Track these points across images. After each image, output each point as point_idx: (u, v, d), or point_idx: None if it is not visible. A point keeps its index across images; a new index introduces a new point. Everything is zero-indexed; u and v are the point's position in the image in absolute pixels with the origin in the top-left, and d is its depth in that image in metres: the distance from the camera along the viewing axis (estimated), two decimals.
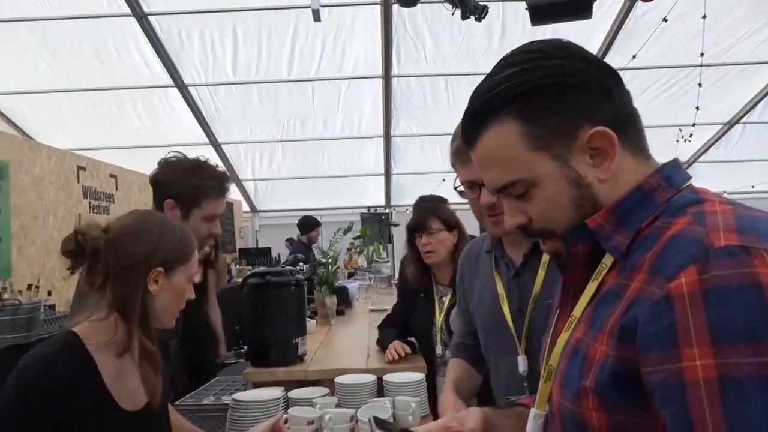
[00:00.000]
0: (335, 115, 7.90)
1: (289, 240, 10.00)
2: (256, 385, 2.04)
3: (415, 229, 2.20)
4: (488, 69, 0.82)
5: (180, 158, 1.83)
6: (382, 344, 2.30)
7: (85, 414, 1.10)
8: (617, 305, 0.68)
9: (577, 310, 0.77)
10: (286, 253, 7.54)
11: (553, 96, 0.74)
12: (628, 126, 0.76)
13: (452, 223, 2.17)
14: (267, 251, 8.46)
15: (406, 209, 9.98)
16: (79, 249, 1.15)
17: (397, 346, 2.17)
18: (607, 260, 0.75)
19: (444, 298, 2.17)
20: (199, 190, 1.75)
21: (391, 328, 2.39)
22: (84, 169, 5.07)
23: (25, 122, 7.07)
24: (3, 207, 4.00)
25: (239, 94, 7.26)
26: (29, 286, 3.73)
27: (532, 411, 0.82)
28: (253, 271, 2.18)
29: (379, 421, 0.83)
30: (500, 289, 1.36)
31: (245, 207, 10.34)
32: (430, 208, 2.22)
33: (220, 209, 1.84)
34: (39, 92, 6.69)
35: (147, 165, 6.47)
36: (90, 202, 5.12)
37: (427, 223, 2.15)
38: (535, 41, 0.80)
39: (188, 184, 1.73)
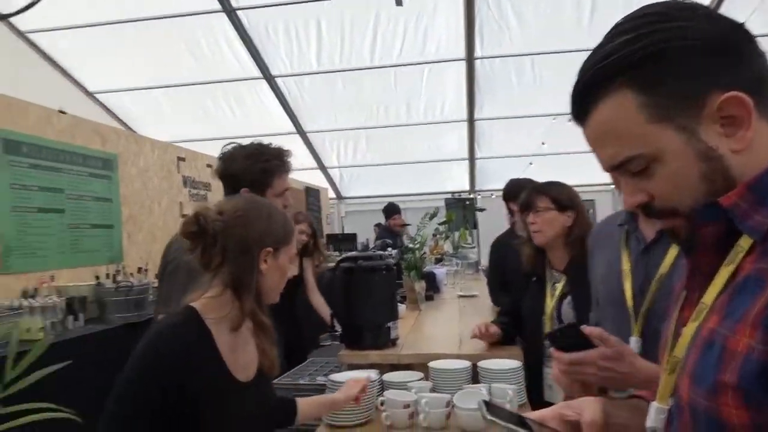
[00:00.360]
0: (418, 100, 7.87)
1: (378, 225, 10.13)
2: (350, 367, 2.07)
3: (523, 208, 2.09)
4: (577, 46, 0.76)
5: (238, 147, 1.92)
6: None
7: (205, 382, 1.16)
8: (760, 294, 0.61)
9: (708, 298, 0.70)
10: (374, 238, 7.64)
11: (676, 61, 0.67)
12: (764, 90, 0.68)
13: (566, 203, 2.00)
14: (353, 237, 8.60)
15: (491, 194, 9.79)
16: (200, 230, 1.20)
17: (481, 325, 2.13)
18: (744, 243, 0.67)
19: (557, 285, 2.03)
20: (267, 172, 1.86)
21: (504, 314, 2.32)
22: (183, 159, 5.37)
23: (129, 117, 7.60)
24: (114, 197, 4.32)
25: (323, 83, 7.40)
26: (139, 269, 4.02)
27: (654, 405, 0.76)
28: (345, 255, 2.20)
29: (490, 406, 0.79)
30: (625, 265, 1.28)
31: (331, 194, 10.57)
32: (538, 187, 2.10)
33: (287, 183, 1.95)
34: (141, 89, 7.16)
35: None
36: (189, 191, 5.43)
37: (534, 201, 2.03)
38: (651, 4, 0.73)
39: (257, 169, 1.84)
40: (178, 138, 7.01)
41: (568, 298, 1.96)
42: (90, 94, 7.14)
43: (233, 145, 1.93)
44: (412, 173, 9.71)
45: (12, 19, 5.42)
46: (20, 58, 6.06)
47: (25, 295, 3.20)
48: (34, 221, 3.54)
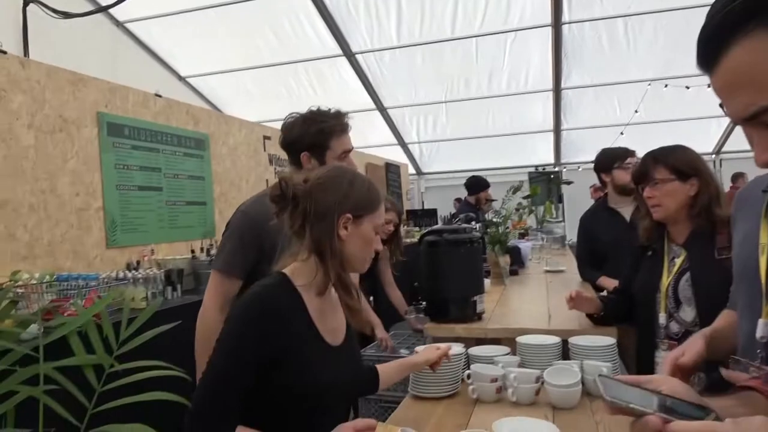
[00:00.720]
0: (500, 71, 7.62)
1: (458, 200, 10.01)
2: (435, 339, 2.05)
3: (638, 179, 1.88)
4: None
5: (297, 115, 1.92)
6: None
7: (297, 343, 1.20)
8: None
9: None
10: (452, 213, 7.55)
11: None
12: None
13: (688, 171, 1.78)
14: (433, 212, 8.56)
15: (578, 167, 9.38)
16: (283, 195, 1.24)
17: (572, 291, 2.00)
18: None
19: (675, 260, 1.83)
20: (324, 133, 1.82)
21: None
22: (269, 138, 5.53)
23: (217, 99, 7.92)
24: (206, 175, 4.54)
25: (403, 58, 7.33)
26: None
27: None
28: (430, 228, 2.17)
29: (606, 382, 0.71)
30: (763, 238, 1.10)
31: (411, 170, 10.55)
32: (654, 154, 1.85)
33: (348, 144, 1.89)
34: (228, 71, 7.42)
35: None
36: (275, 169, 5.59)
37: (650, 172, 1.81)
38: None
39: (313, 131, 1.82)
40: (263, 118, 7.23)
41: (687, 274, 1.77)
42: (182, 79, 7.50)
43: (293, 114, 1.93)
44: (494, 147, 9.48)
45: (111, 10, 5.76)
46: (119, 46, 6.45)
47: (129, 267, 3.44)
48: (136, 199, 3.79)
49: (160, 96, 4.14)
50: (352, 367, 1.37)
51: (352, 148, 1.92)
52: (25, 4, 5.00)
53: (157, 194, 3.99)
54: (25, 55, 4.62)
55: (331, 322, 1.30)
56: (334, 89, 7.85)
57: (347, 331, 1.36)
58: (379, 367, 1.56)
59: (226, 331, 1.17)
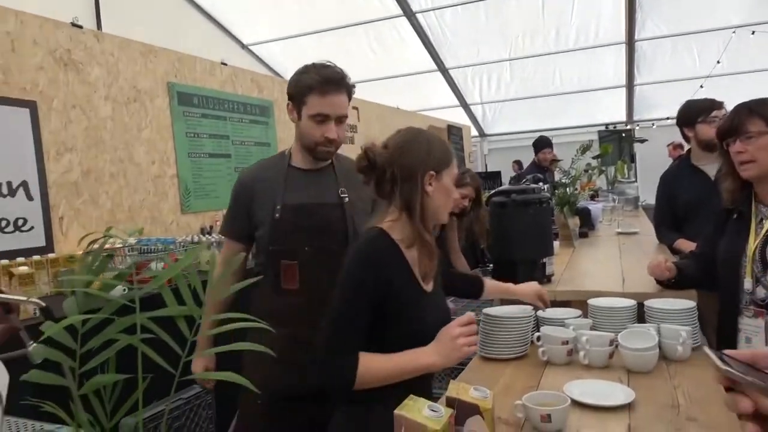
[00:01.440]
0: (568, 24, 7.26)
1: (516, 162, 9.79)
2: (503, 302, 2.03)
3: (726, 134, 1.71)
4: None
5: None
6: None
7: (401, 289, 1.31)
8: None
9: None
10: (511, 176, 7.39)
11: None
12: None
13: None
14: (497, 175, 8.40)
15: (652, 124, 8.90)
16: (370, 164, 1.34)
17: (661, 260, 1.91)
18: None
19: (765, 222, 1.69)
20: (302, 85, 1.67)
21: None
22: None
23: (279, 65, 8.00)
24: (272, 140, 4.62)
25: (466, 16, 7.10)
26: None
27: None
28: (497, 189, 2.12)
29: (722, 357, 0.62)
30: None
31: (474, 132, 10.35)
32: (749, 105, 1.68)
33: (325, 108, 1.65)
34: (289, 37, 7.45)
35: (382, 96, 6.82)
36: None
37: (743, 124, 1.65)
38: None
39: (294, 81, 1.70)
40: None
41: None
42: (245, 47, 7.60)
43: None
44: (561, 105, 9.12)
45: None
46: (184, 16, 6.60)
47: (202, 231, 3.59)
48: (206, 166, 3.92)
49: (225, 64, 4.22)
50: (443, 310, 1.48)
51: (341, 115, 1.70)
52: None
53: (226, 161, 4.11)
54: (98, 29, 4.81)
55: (421, 272, 1.39)
56: (394, 51, 7.74)
57: (435, 280, 1.45)
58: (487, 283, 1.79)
59: (345, 279, 1.29)
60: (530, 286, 1.80)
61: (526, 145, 7.14)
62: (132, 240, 3.03)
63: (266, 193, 1.71)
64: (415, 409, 0.90)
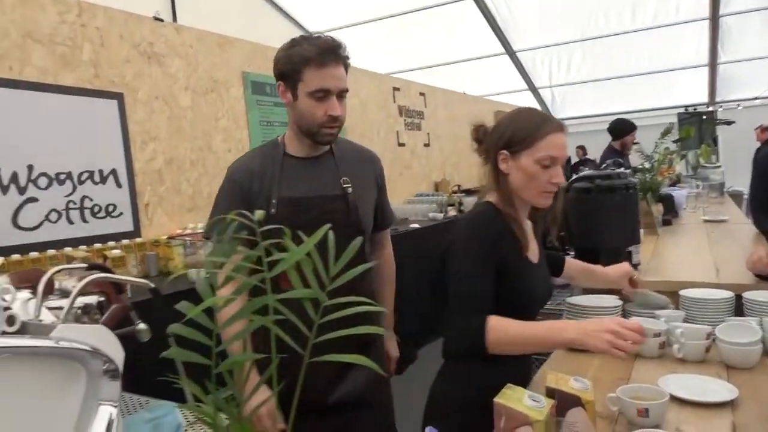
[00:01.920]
0: (645, 2, 6.89)
1: (580, 147, 9.44)
2: (585, 291, 1.97)
3: None
4: None
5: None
6: None
7: (513, 257, 1.36)
8: None
9: None
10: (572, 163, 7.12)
11: None
12: None
13: None
14: (566, 161, 8.13)
15: (737, 105, 8.35)
16: (478, 139, 1.45)
17: (763, 254, 1.79)
18: None
19: None
20: (295, 59, 1.45)
21: None
22: (398, 89, 5.53)
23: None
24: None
25: None
26: None
27: None
28: (580, 174, 2.05)
29: None
30: None
31: None
32: None
33: (329, 81, 1.45)
34: (354, 24, 7.47)
35: (449, 81, 6.72)
36: (404, 120, 5.61)
37: None
38: None
39: (284, 56, 1.49)
40: (391, 69, 7.24)
41: None
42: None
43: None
44: (636, 87, 8.69)
45: None
46: (253, 7, 6.74)
47: None
48: None
49: None
50: (548, 283, 1.52)
51: (343, 89, 1.50)
52: None
53: None
54: (174, 21, 4.99)
55: (530, 244, 1.43)
56: (460, 35, 7.62)
57: (540, 253, 1.50)
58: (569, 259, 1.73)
59: (465, 248, 1.34)
60: (620, 267, 1.70)
61: (593, 130, 6.88)
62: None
63: (261, 188, 1.51)
64: (514, 398, 0.88)
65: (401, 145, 5.55)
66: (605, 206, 1.94)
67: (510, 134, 1.35)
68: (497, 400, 0.89)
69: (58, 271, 0.94)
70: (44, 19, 2.67)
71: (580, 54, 8.23)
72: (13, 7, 2.56)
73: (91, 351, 0.81)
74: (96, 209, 2.86)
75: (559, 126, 1.36)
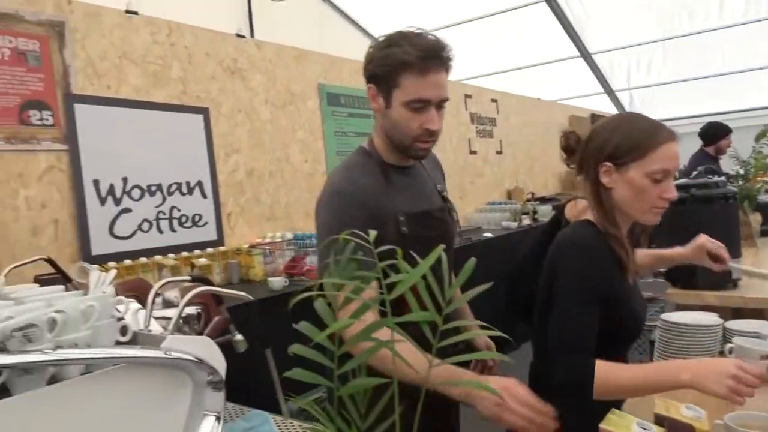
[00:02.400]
0: None
1: None
2: (678, 307, 1.86)
3: None
4: None
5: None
6: None
7: (617, 283, 1.27)
8: None
9: None
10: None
11: None
12: None
13: None
14: None
15: None
16: (567, 147, 1.39)
17: None
18: None
19: None
20: (393, 62, 1.24)
21: None
22: (470, 96, 5.48)
23: None
24: None
25: None
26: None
27: None
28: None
29: None
30: None
31: None
32: None
33: (428, 91, 1.25)
34: (435, 29, 7.47)
35: (522, 87, 6.59)
36: (476, 127, 5.55)
37: None
38: None
39: (381, 55, 1.28)
40: (462, 76, 7.18)
41: None
42: None
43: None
44: (724, 87, 8.18)
45: None
46: (325, 19, 6.90)
47: None
48: None
49: None
50: (643, 299, 1.42)
51: (444, 98, 1.30)
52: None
53: None
54: (252, 36, 5.18)
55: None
56: (533, 39, 7.44)
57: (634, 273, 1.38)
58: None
59: (567, 276, 1.22)
60: (694, 242, 1.55)
61: (682, 133, 6.49)
62: (289, 235, 3.24)
63: (381, 204, 1.32)
64: (622, 425, 0.84)
65: (473, 152, 5.49)
66: (702, 217, 1.82)
67: (615, 144, 1.23)
68: (603, 426, 0.85)
69: (166, 284, 0.99)
70: (138, 40, 2.85)
71: (662, 53, 7.84)
72: (112, 30, 2.74)
73: (197, 362, 0.85)
74: (183, 219, 3.00)
75: (672, 135, 1.23)
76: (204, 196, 3.10)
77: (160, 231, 2.90)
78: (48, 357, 0.71)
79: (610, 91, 8.94)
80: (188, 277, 1.08)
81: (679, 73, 8.14)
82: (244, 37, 3.43)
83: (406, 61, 1.23)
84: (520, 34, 7.43)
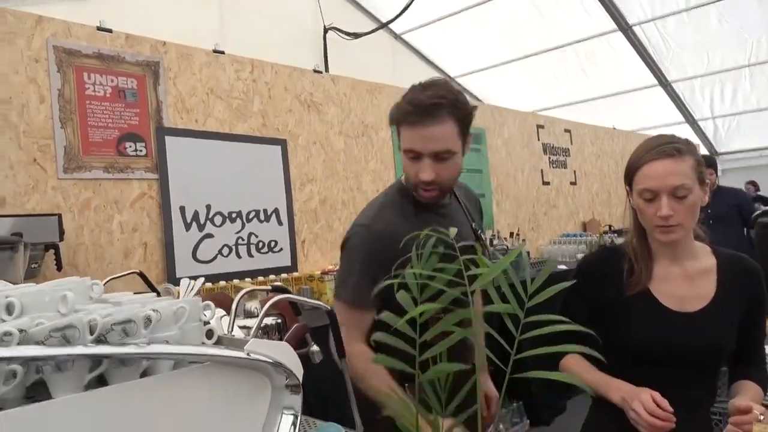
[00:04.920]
0: None
1: (752, 183, 8.43)
2: None
3: None
4: None
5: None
6: None
7: (610, 295, 1.35)
8: None
9: None
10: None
11: None
12: None
13: None
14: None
15: None
16: None
17: None
18: None
19: None
20: (393, 115, 1.36)
21: None
22: (542, 127, 5.41)
23: (485, 94, 8.08)
24: (484, 168, 4.65)
25: (693, 21, 6.41)
26: (510, 234, 4.24)
27: None
28: (763, 209, 1.83)
29: None
30: None
31: (703, 150, 9.19)
32: None
33: (415, 143, 1.31)
34: (494, 66, 7.51)
35: (595, 117, 6.48)
36: (549, 158, 5.45)
37: None
38: None
39: (394, 105, 1.37)
40: (535, 107, 7.13)
41: None
42: (452, 79, 7.85)
43: None
44: None
45: (390, 25, 6.35)
46: (397, 55, 7.09)
47: None
48: None
49: None
50: (706, 336, 1.28)
51: (437, 151, 1.31)
52: (325, 32, 5.89)
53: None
54: (326, 71, 5.40)
55: (674, 288, 1.31)
56: (607, 68, 7.30)
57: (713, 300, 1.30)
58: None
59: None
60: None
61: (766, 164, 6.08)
62: None
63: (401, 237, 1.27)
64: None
65: (546, 183, 5.39)
66: None
67: (625, 168, 1.33)
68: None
69: (248, 293, 1.03)
70: (224, 77, 3.04)
71: (749, 80, 7.45)
72: (201, 68, 2.95)
73: (275, 364, 0.87)
74: (260, 245, 3.12)
75: (660, 153, 1.23)
76: (280, 223, 3.21)
77: (239, 256, 3.02)
78: (142, 350, 0.76)
79: (692, 121, 8.57)
80: (269, 287, 1.13)
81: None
82: (320, 72, 3.58)
83: (397, 116, 1.34)
84: (594, 64, 7.31)
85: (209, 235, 2.91)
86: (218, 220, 2.95)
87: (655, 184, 1.22)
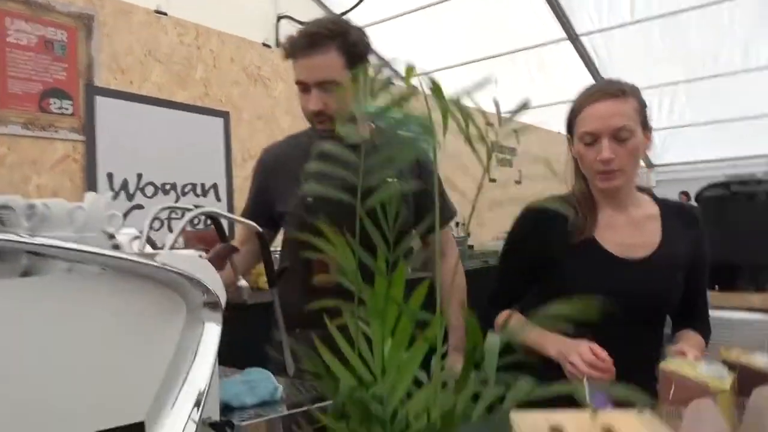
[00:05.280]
0: (760, 38, 6.46)
1: (684, 193, 8.81)
2: (719, 309, 1.72)
3: None
4: None
5: None
6: None
7: (559, 242, 1.32)
8: None
9: None
10: None
11: None
12: None
13: None
14: None
15: None
16: None
17: None
18: None
19: None
20: (286, 49, 1.35)
21: None
22: (490, 125, 5.45)
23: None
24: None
25: (637, 36, 6.65)
26: (456, 224, 4.20)
27: None
28: (712, 182, 1.83)
29: None
30: None
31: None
32: None
33: (301, 73, 1.33)
34: (449, 67, 7.54)
35: (544, 122, 6.52)
36: (496, 155, 5.49)
37: None
38: None
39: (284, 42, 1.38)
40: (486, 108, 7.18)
41: None
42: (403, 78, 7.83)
43: None
44: (749, 131, 8.08)
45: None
46: None
47: None
48: None
49: None
50: (654, 283, 1.24)
51: (322, 80, 1.32)
52: (278, 21, 5.75)
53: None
54: (277, 47, 5.25)
55: (620, 236, 1.26)
56: (556, 76, 7.47)
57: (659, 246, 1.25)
58: None
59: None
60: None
61: (699, 176, 6.32)
62: None
63: (290, 171, 1.52)
64: (686, 364, 0.72)
65: (492, 180, 5.42)
66: (744, 215, 1.70)
67: (567, 115, 1.28)
68: (664, 366, 0.73)
69: (166, 209, 0.90)
70: (165, 39, 2.86)
71: (685, 95, 7.81)
72: (139, 28, 2.76)
73: (192, 279, 0.75)
74: (195, 221, 2.93)
75: (603, 93, 1.19)
76: (218, 199, 3.04)
77: (171, 230, 2.83)
78: (23, 239, 0.62)
79: None
80: (191, 206, 1.00)
81: (702, 116, 8.07)
82: (270, 46, 3.44)
83: (288, 47, 1.33)
84: (544, 71, 7.46)
85: (139, 206, 2.71)
86: (149, 190, 2.76)
87: (597, 125, 1.18)
